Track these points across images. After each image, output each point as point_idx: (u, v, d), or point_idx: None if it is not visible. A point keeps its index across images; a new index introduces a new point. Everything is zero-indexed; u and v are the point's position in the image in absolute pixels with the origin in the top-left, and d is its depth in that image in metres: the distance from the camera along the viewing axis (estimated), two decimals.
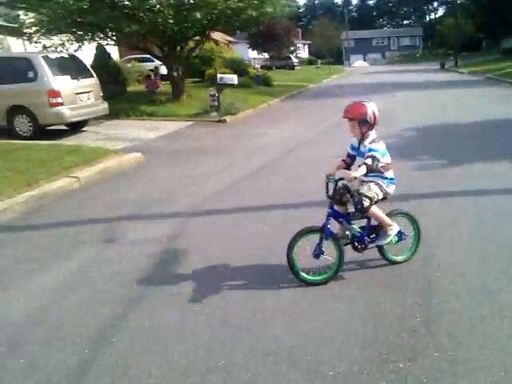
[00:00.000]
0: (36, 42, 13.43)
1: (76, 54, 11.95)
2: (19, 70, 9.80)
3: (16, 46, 17.40)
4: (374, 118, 3.56)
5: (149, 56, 27.29)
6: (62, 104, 9.80)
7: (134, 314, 3.37)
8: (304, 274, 3.61)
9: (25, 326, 3.27)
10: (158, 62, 27.91)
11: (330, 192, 3.56)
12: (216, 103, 13.66)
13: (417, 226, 3.94)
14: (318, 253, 3.59)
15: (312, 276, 3.64)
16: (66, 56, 11.03)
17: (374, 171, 3.48)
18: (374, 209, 3.61)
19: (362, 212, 3.59)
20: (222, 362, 2.78)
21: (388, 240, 3.71)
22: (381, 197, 3.63)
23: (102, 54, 16.86)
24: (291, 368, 2.70)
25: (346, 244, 3.75)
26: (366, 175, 3.47)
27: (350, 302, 3.38)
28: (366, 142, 3.55)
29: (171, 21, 12.47)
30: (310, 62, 60.04)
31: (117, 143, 9.96)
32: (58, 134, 10.78)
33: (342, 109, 3.66)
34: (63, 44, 13.67)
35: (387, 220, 3.69)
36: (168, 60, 15.87)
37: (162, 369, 2.76)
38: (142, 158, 8.57)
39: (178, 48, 15.99)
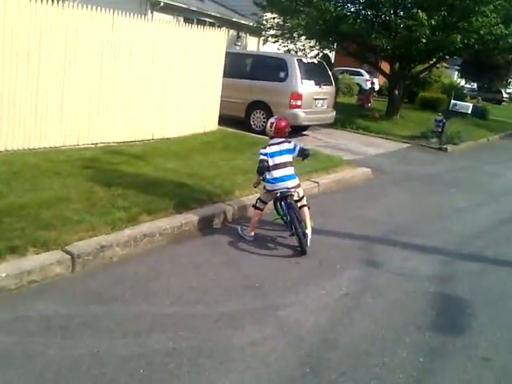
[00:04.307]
0: (281, 44, 14.25)
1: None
2: (273, 68, 10.38)
3: (251, 46, 18.79)
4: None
5: (359, 70, 27.69)
6: (299, 107, 10.08)
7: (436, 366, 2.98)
8: None
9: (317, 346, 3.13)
10: (366, 77, 28.02)
11: None
12: (440, 129, 12.76)
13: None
14: None
15: None
16: (315, 62, 11.38)
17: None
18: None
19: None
20: None
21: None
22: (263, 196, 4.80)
23: (327, 63, 17.15)
24: None
25: None
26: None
27: None
28: None
29: (424, 40, 12.01)
30: None
31: (341, 154, 9.84)
32: None
33: None
34: (304, 49, 14.27)
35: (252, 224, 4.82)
36: (394, 78, 15.43)
37: None
38: (370, 174, 8.29)
39: (407, 67, 15.51)
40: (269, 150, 4.68)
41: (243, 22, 19.45)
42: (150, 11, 15.77)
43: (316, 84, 10.45)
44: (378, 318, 3.49)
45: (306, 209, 4.79)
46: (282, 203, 4.70)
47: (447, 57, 15.67)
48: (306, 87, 10.19)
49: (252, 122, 10.75)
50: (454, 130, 13.05)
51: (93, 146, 7.41)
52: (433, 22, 12.01)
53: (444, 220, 6.12)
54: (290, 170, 4.68)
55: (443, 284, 4.18)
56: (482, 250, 5.14)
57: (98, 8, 6.93)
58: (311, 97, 10.34)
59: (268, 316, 3.35)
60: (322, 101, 10.71)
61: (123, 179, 5.60)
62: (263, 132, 10.75)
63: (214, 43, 9.03)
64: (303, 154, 4.81)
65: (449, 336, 3.34)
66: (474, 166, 10.58)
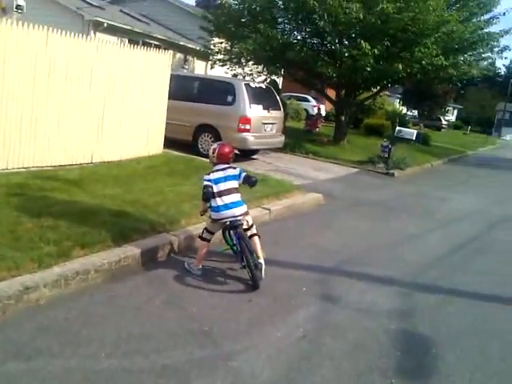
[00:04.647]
0: (229, 69, 14.12)
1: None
2: (220, 92, 10.13)
3: (199, 69, 18.58)
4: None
5: (306, 96, 28.15)
6: (248, 131, 9.86)
7: None
8: None
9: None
10: (312, 103, 28.52)
11: None
12: (386, 155, 12.95)
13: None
14: None
15: None
16: (263, 87, 11.24)
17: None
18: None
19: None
20: None
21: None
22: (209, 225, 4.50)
23: (275, 88, 17.19)
24: None
25: None
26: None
27: None
28: None
29: (369, 69, 12.22)
30: (455, 127, 57.31)
31: (292, 178, 9.67)
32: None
33: None
34: (252, 74, 14.20)
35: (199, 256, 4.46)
36: (341, 104, 15.66)
37: None
38: (321, 200, 8.12)
39: (353, 95, 15.82)
40: (213, 176, 4.37)
41: (190, 45, 19.26)
42: (92, 32, 15.23)
43: (264, 108, 10.30)
44: (339, 363, 3.16)
45: (256, 238, 4.46)
46: (231, 232, 4.38)
47: (390, 85, 16.13)
48: (255, 111, 10.00)
49: (200, 146, 10.40)
50: (400, 155, 13.30)
51: (24, 170, 6.77)
52: (376, 51, 12.28)
53: (397, 248, 5.98)
54: (236, 197, 4.37)
55: (404, 320, 3.94)
56: (437, 281, 4.99)
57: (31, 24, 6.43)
58: (260, 121, 10.15)
59: (218, 367, 2.94)
60: (271, 125, 10.56)
61: (55, 208, 5.04)
62: None
63: (158, 65, 8.66)
64: (249, 181, 4.51)
65: (416, 381, 3.07)
66: (422, 191, 10.72)
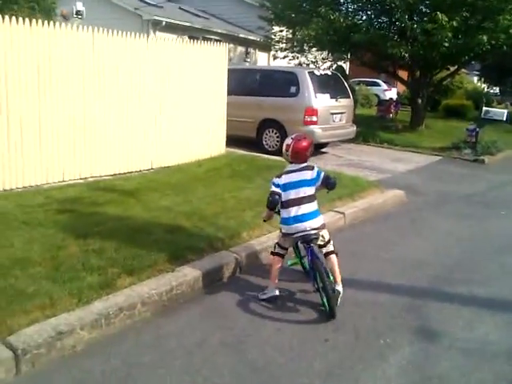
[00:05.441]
0: (294, 58, 13.32)
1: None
2: (283, 83, 9.41)
3: (261, 61, 17.91)
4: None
5: (376, 80, 26.55)
6: (315, 123, 9.03)
7: None
8: None
9: None
10: (383, 87, 26.85)
11: None
12: (474, 139, 11.52)
13: None
14: None
15: None
16: (329, 74, 10.35)
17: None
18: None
19: None
20: None
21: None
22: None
23: (342, 74, 16.13)
24: None
25: None
26: None
27: None
28: None
29: (447, 44, 10.87)
30: None
31: (367, 173, 8.71)
32: None
33: None
34: (316, 61, 13.30)
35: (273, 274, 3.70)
36: (416, 86, 14.29)
37: None
38: (403, 197, 7.13)
39: (429, 75, 14.38)
40: (284, 179, 3.62)
41: (251, 37, 18.61)
42: (152, 31, 15.03)
43: (332, 97, 9.39)
44: None
45: (333, 257, 3.69)
46: (303, 246, 3.65)
47: (470, 62, 14.44)
48: (321, 101, 9.13)
49: (264, 142, 9.72)
50: (489, 139, 11.80)
51: (82, 181, 6.46)
52: (454, 23, 10.89)
53: (505, 257, 4.91)
54: (310, 207, 3.60)
55: None
56: None
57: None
58: (328, 111, 9.26)
59: None
60: (339, 115, 9.62)
61: (104, 226, 4.57)
62: (278, 152, 9.89)
63: (214, 59, 8.05)
64: (328, 183, 3.67)
65: None
66: None
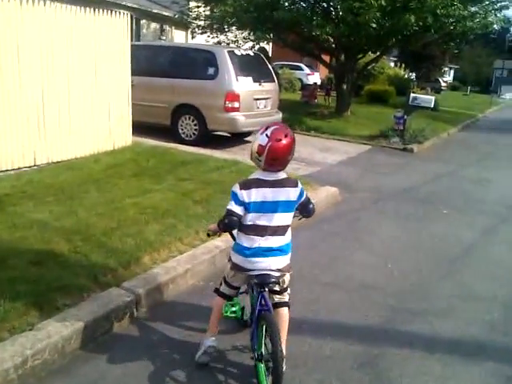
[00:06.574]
0: (210, 36, 12.07)
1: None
2: (199, 64, 8.15)
3: (178, 40, 16.44)
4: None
5: (299, 64, 25.94)
6: (237, 109, 7.92)
7: None
8: None
9: None
10: (306, 71, 26.35)
11: None
12: (401, 127, 11.07)
13: None
14: None
15: None
16: (252, 54, 9.21)
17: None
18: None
19: None
20: None
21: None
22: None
23: (264, 56, 15.15)
24: None
25: None
26: None
27: None
28: None
29: (374, 25, 10.21)
30: (453, 88, 55.05)
31: (294, 166, 7.77)
32: (219, 143, 8.90)
33: None
34: (237, 41, 12.14)
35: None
36: (341, 70, 13.66)
37: None
38: (337, 196, 6.31)
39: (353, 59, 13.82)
40: (254, 195, 2.41)
41: (166, 13, 17.03)
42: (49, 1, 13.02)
43: (255, 81, 8.29)
44: None
45: (286, 311, 2.62)
46: (254, 292, 2.57)
47: (398, 46, 14.07)
48: (243, 85, 8.01)
49: (181, 131, 8.47)
50: (416, 126, 11.44)
51: None
52: (382, 2, 10.28)
53: (461, 273, 4.16)
54: (282, 240, 2.50)
55: None
56: None
57: None
58: (251, 96, 8.16)
59: None
60: (264, 101, 8.57)
61: None
62: (196, 142, 8.72)
63: (113, 32, 6.65)
64: (307, 209, 2.58)
65: None
66: (450, 170, 8.85)
